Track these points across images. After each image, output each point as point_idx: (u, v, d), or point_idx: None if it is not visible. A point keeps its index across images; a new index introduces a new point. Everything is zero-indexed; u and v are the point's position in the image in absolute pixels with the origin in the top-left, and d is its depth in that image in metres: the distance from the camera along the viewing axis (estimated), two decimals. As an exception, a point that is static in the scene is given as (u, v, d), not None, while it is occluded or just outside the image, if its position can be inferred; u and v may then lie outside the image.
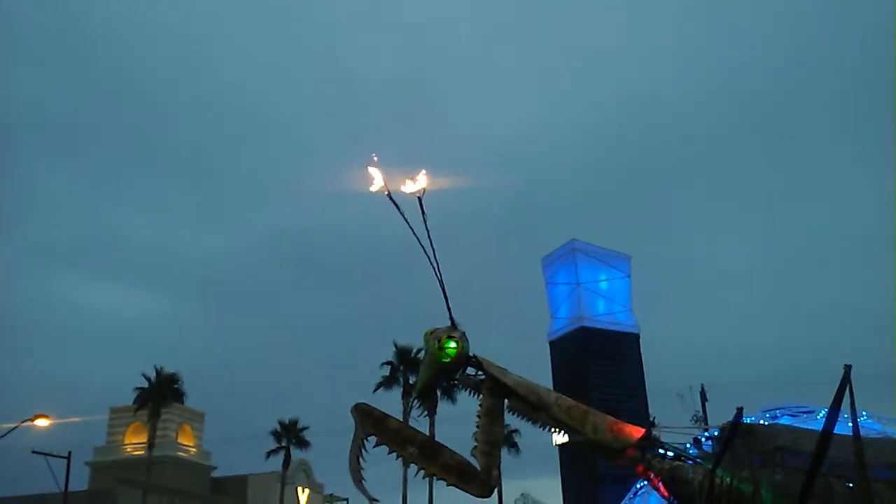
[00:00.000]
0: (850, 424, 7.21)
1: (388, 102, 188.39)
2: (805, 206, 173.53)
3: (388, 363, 49.94)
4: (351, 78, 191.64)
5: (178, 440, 59.78)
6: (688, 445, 8.55)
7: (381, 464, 8.99)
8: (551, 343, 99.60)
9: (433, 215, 8.15)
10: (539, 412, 8.25)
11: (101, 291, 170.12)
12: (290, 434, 54.84)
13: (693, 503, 7.85)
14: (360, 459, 8.12)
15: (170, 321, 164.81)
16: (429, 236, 8.20)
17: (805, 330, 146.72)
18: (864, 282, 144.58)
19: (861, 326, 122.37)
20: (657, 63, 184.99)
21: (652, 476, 8.13)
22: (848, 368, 6.96)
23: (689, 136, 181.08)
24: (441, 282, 8.25)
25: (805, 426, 10.00)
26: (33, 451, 33.85)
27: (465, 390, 8.52)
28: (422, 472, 8.12)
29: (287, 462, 55.25)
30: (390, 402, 43.65)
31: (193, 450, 61.24)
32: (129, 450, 59.32)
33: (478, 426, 8.11)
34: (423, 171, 8.40)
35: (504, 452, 25.43)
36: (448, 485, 7.97)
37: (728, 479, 7.67)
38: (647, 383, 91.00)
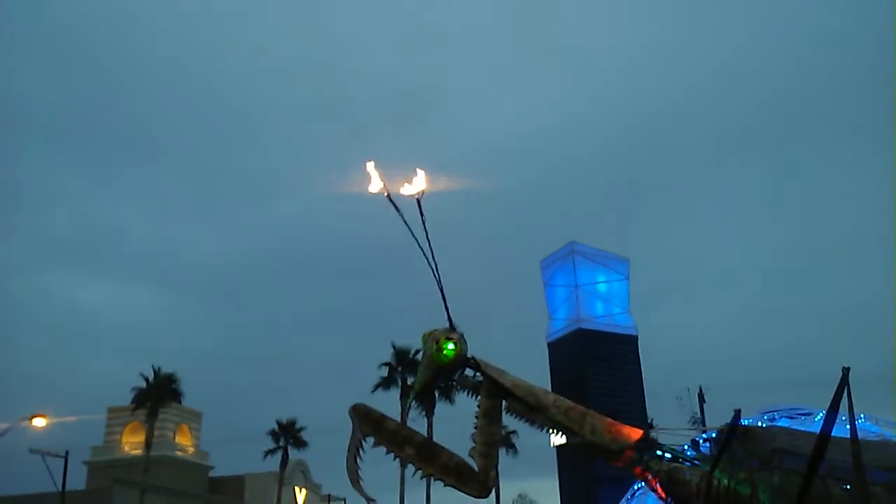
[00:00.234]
0: (848, 427, 7.22)
1: (387, 103, 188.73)
2: (804, 206, 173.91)
3: (386, 364, 49.88)
4: (351, 78, 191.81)
5: (176, 440, 59.71)
6: (685, 447, 8.56)
7: (379, 464, 8.99)
8: (549, 345, 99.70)
9: (432, 217, 8.17)
10: (537, 413, 8.25)
11: (98, 289, 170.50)
12: (287, 434, 54.77)
13: (690, 505, 7.86)
14: (358, 460, 8.12)
15: (168, 320, 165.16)
16: (427, 237, 8.21)
17: (804, 331, 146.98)
18: (863, 282, 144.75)
19: (860, 327, 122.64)
20: (657, 64, 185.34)
21: (650, 477, 8.13)
22: (846, 371, 6.97)
23: (688, 137, 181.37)
24: (439, 283, 8.26)
25: (803, 428, 10.02)
26: (31, 451, 33.78)
27: (463, 391, 8.52)
28: (419, 472, 8.12)
29: (285, 462, 55.18)
30: (388, 403, 43.66)
31: (191, 449, 61.17)
32: (126, 449, 59.21)
33: (476, 427, 8.12)
34: (422, 173, 8.41)
35: (502, 453, 25.38)
36: (446, 485, 7.97)
37: (726, 480, 7.68)
38: (644, 385, 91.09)
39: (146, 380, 50.24)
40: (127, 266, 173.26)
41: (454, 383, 8.68)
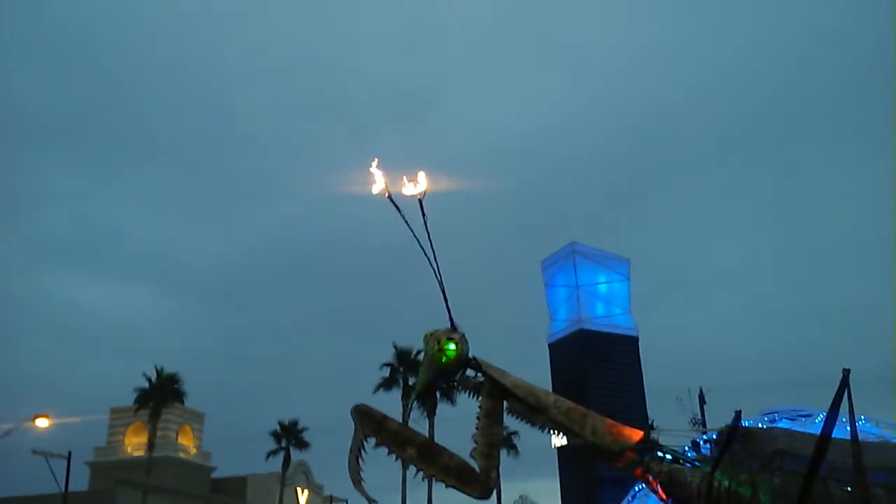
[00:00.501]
0: (849, 428, 7.23)
1: (387, 103, 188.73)
2: (804, 206, 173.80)
3: (387, 364, 49.88)
4: (351, 78, 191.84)
5: (179, 441, 59.74)
6: (686, 448, 8.56)
7: (381, 465, 9.01)
8: (550, 345, 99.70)
9: (433, 217, 8.18)
10: (538, 414, 8.26)
11: (99, 289, 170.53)
12: (289, 435, 54.79)
13: (691, 506, 7.87)
14: (360, 460, 8.13)
15: (169, 320, 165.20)
16: (429, 238, 8.22)
17: (804, 332, 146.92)
18: (863, 282, 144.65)
19: (860, 327, 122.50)
20: (657, 64, 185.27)
21: (650, 479, 8.14)
22: (846, 373, 6.98)
23: (688, 137, 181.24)
24: (441, 283, 8.27)
25: (803, 430, 10.01)
26: (33, 452, 33.80)
27: (465, 392, 8.53)
28: (421, 473, 8.14)
29: (287, 463, 55.20)
30: (390, 404, 43.66)
31: (193, 450, 61.21)
32: (129, 450, 59.27)
33: (477, 428, 8.13)
34: (424, 173, 8.42)
35: (503, 454, 25.34)
36: (447, 486, 7.98)
37: (726, 482, 7.68)
38: (645, 386, 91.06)
39: (149, 380, 50.18)
40: (127, 266, 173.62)
41: (455, 384, 8.68)
